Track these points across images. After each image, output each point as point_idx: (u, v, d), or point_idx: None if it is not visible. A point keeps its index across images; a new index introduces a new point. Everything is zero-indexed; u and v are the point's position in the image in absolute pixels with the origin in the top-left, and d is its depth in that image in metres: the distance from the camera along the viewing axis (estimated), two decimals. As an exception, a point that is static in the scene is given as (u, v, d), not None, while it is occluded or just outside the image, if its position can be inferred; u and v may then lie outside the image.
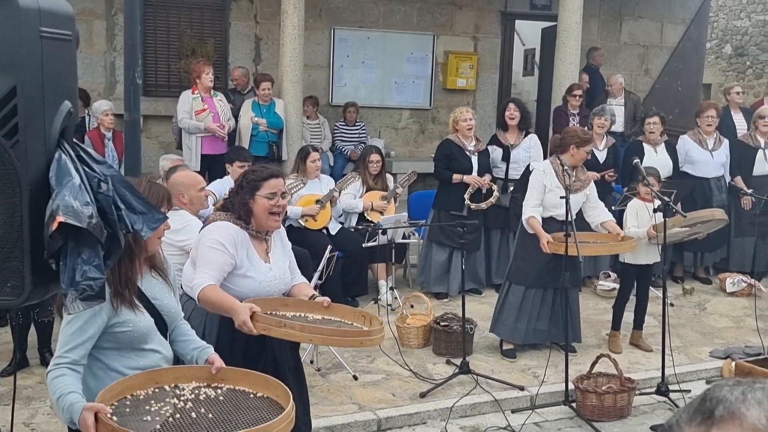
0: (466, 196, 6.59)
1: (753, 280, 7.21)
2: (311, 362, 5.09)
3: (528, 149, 6.94)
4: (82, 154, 2.42)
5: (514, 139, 6.97)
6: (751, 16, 15.49)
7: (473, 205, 6.59)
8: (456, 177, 6.56)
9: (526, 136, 7.07)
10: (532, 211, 5.30)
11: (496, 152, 6.96)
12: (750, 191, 7.25)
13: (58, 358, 2.46)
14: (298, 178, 6.39)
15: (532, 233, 5.31)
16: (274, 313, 3.17)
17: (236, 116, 7.62)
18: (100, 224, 2.32)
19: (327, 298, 3.38)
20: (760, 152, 7.49)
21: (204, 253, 3.13)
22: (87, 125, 7.62)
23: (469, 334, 5.45)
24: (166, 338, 2.69)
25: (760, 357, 4.96)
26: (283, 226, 3.63)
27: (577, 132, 5.49)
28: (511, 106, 7.00)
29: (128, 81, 4.39)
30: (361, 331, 3.18)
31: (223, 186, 5.73)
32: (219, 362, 2.59)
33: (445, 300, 6.68)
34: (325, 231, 6.44)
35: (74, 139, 2.55)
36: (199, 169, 7.06)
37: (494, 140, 7.10)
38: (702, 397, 0.79)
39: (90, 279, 2.33)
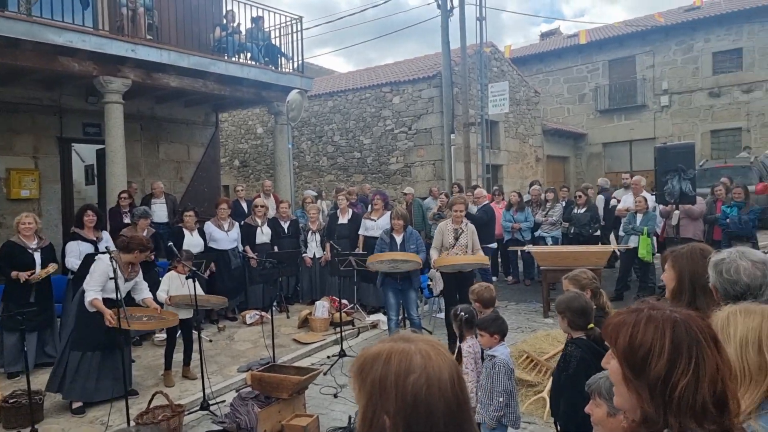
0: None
1: (263, 312, 7.58)
2: None
3: (107, 241, 6.15)
4: None
5: (94, 236, 6.11)
6: (249, 142, 16.89)
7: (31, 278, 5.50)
8: (13, 274, 5.42)
9: (101, 231, 6.28)
10: (95, 294, 4.69)
11: (83, 246, 5.98)
12: (255, 255, 7.73)
13: None
14: None
15: (93, 311, 4.69)
16: None
17: None
18: None
19: None
20: (258, 229, 8.05)
21: None
22: None
23: (38, 404, 4.47)
24: None
25: (269, 364, 5.16)
26: None
27: (142, 241, 5.05)
28: (90, 212, 6.14)
29: None
30: None
31: None
32: None
33: (18, 378, 5.38)
34: None
35: None
36: None
37: (77, 236, 6.06)
38: None
39: None
